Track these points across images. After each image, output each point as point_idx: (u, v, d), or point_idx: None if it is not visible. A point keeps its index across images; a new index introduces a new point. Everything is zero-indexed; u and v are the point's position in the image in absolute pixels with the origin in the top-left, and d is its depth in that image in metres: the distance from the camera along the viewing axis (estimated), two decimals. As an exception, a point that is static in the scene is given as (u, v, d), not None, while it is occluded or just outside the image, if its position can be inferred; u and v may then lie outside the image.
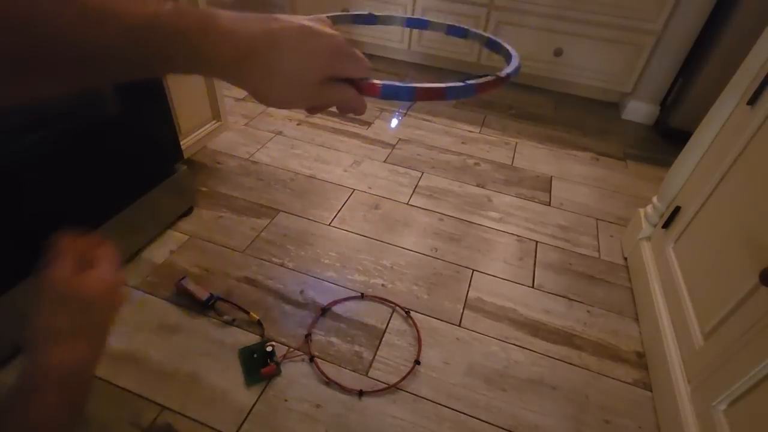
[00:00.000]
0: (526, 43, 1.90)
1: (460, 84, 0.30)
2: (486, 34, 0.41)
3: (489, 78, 0.31)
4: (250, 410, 0.77)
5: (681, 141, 1.07)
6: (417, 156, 1.51)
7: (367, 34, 2.14)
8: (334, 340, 0.90)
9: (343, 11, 0.43)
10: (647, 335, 0.95)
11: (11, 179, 0.70)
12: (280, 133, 1.55)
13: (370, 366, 0.86)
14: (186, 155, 1.13)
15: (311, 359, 0.85)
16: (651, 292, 0.97)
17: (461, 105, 1.88)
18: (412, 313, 0.96)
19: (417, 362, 0.87)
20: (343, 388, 0.81)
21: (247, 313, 0.91)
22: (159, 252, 1.05)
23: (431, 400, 0.81)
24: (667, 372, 0.82)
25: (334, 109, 0.32)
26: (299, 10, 2.16)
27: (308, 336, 0.89)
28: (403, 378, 0.84)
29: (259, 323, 0.90)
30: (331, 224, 1.19)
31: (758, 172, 0.76)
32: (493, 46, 0.39)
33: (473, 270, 1.09)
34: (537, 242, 1.20)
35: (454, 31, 0.44)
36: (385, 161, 1.46)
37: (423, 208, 1.28)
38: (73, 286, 0.37)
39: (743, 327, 0.67)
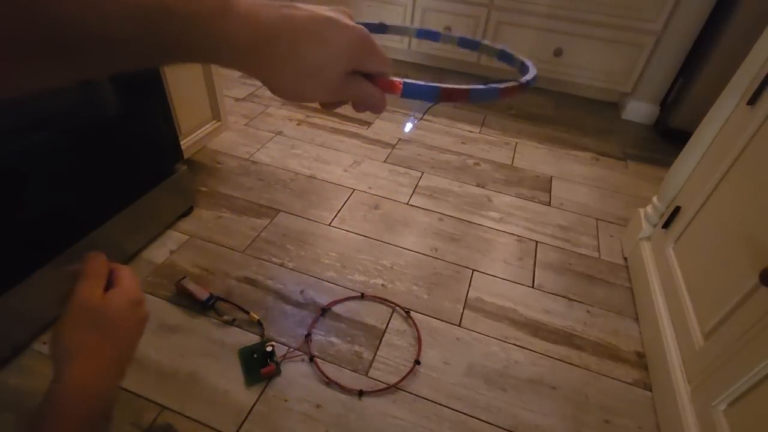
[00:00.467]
0: (526, 43, 1.90)
1: (484, 86, 0.29)
2: (498, 47, 0.40)
3: (513, 83, 0.30)
4: (250, 410, 0.77)
5: (681, 141, 1.07)
6: (417, 156, 1.51)
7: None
8: (334, 340, 0.90)
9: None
10: (647, 335, 0.95)
11: (11, 179, 0.70)
12: (280, 133, 1.55)
13: (370, 366, 0.86)
14: (186, 155, 1.13)
15: (311, 359, 0.85)
16: (651, 292, 0.97)
17: (461, 105, 1.88)
18: (412, 313, 0.96)
19: (417, 362, 0.87)
20: (343, 388, 0.81)
21: (247, 313, 0.91)
22: (159, 252, 1.05)
23: (431, 400, 0.81)
24: (667, 372, 0.82)
25: (345, 108, 0.31)
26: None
27: (308, 336, 0.89)
28: (403, 378, 0.84)
29: (259, 323, 0.90)
30: (331, 224, 1.19)
31: (758, 172, 0.76)
32: (506, 58, 0.39)
33: (473, 270, 1.09)
34: (537, 242, 1.20)
35: (466, 43, 0.43)
36: (385, 161, 1.46)
37: (423, 208, 1.28)
38: (101, 305, 0.38)
39: (743, 327, 0.67)
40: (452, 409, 0.81)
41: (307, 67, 0.26)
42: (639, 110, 1.91)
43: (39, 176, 0.74)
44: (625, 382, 0.88)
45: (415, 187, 1.36)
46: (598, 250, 1.19)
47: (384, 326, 0.94)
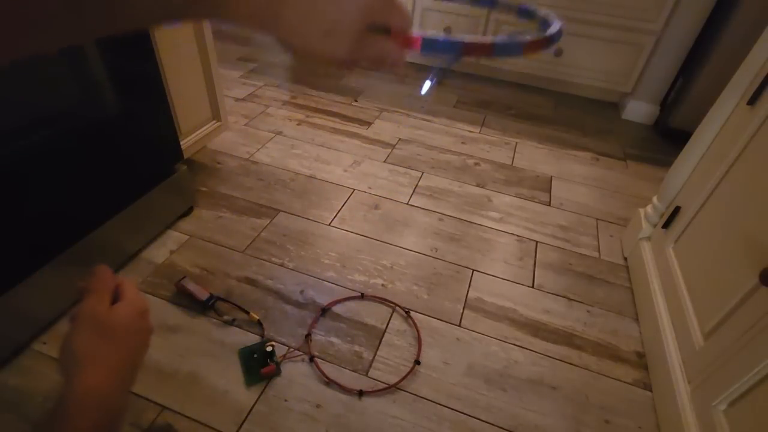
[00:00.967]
0: (526, 43, 1.90)
1: (508, 41, 0.27)
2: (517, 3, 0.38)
3: (536, 36, 0.29)
4: (250, 410, 0.77)
5: (681, 141, 1.07)
6: (417, 156, 1.51)
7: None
8: (334, 340, 0.90)
9: None
10: (647, 335, 0.95)
11: (11, 179, 0.70)
12: (280, 133, 1.55)
13: (370, 366, 0.86)
14: (186, 155, 1.13)
15: (311, 359, 0.85)
16: (651, 292, 0.97)
17: (461, 105, 1.88)
18: (412, 313, 0.96)
19: (417, 362, 0.87)
20: (343, 388, 0.81)
21: (247, 313, 0.91)
22: (159, 252, 1.05)
23: (431, 400, 0.81)
24: (667, 372, 0.82)
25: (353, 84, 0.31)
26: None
27: (308, 336, 0.89)
28: (403, 378, 0.84)
29: (259, 323, 0.90)
30: (331, 224, 1.19)
31: (758, 172, 0.76)
32: (527, 14, 0.37)
33: (473, 270, 1.09)
34: (537, 242, 1.20)
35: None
36: (385, 161, 1.46)
37: (423, 208, 1.28)
38: (108, 316, 0.40)
39: (743, 327, 0.67)
40: (452, 409, 0.81)
41: (327, 19, 0.25)
42: (639, 110, 1.91)
43: (39, 176, 0.74)
44: (625, 382, 0.88)
45: (415, 187, 1.36)
46: (598, 250, 1.19)
47: (384, 326, 0.94)
